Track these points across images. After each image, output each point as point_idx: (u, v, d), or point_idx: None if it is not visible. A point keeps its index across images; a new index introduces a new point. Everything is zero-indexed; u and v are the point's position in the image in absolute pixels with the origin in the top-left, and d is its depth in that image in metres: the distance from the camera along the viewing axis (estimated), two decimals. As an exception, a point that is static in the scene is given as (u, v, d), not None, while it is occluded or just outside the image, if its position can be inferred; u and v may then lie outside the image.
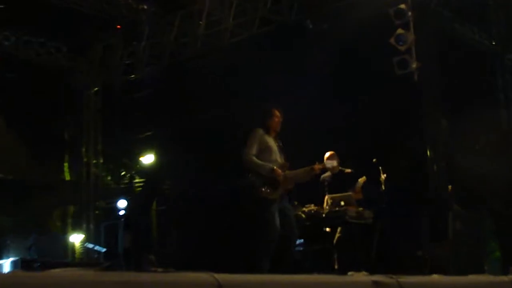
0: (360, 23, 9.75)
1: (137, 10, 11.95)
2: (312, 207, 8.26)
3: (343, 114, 10.92)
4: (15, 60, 12.44)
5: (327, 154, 8.54)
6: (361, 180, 8.50)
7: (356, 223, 8.09)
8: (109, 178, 15.42)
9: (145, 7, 11.97)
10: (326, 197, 8.29)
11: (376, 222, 8.29)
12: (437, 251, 8.22)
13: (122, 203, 13.45)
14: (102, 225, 13.31)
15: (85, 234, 13.14)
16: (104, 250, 11.77)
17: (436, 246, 8.31)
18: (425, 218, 9.01)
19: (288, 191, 6.83)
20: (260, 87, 11.03)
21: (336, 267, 7.86)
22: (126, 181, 15.48)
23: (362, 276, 4.22)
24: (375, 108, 10.79)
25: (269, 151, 6.75)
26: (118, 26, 12.51)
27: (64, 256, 12.11)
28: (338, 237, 8.06)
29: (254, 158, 6.63)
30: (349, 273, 4.74)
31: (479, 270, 7.31)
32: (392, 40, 9.26)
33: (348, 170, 8.66)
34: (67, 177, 14.77)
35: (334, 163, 8.03)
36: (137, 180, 15.19)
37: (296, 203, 8.23)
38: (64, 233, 13.72)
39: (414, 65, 9.16)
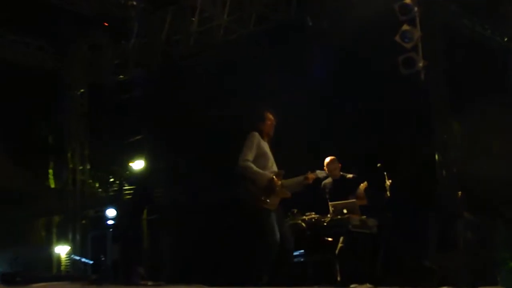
0: (362, 21, 9.74)
1: (126, 7, 11.93)
2: (313, 215, 8.22)
3: (344, 115, 10.90)
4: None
5: (327, 160, 8.50)
6: (363, 186, 8.44)
7: (360, 232, 8.04)
8: (96, 185, 15.40)
9: (134, 3, 11.93)
10: (330, 204, 8.26)
11: (380, 231, 8.25)
12: (446, 261, 8.20)
13: (110, 212, 13.40)
14: (89, 235, 13.27)
15: (71, 246, 13.08)
16: (91, 262, 11.73)
17: (445, 256, 8.29)
18: (433, 226, 8.99)
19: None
20: (258, 87, 11.00)
21: (338, 279, 7.81)
22: (115, 189, 15.46)
23: (366, 289, 4.20)
24: (379, 109, 10.76)
25: (265, 157, 6.68)
26: (105, 24, 12.48)
27: (49, 269, 12.07)
28: (341, 247, 8.01)
29: (252, 165, 6.54)
30: (352, 285, 4.72)
31: (492, 282, 7.29)
32: (397, 37, 9.22)
33: (350, 176, 8.63)
34: (52, 184, 14.74)
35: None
36: (126, 187, 15.16)
37: (295, 211, 8.19)
38: (49, 245, 13.68)
39: (420, 64, 9.12)
